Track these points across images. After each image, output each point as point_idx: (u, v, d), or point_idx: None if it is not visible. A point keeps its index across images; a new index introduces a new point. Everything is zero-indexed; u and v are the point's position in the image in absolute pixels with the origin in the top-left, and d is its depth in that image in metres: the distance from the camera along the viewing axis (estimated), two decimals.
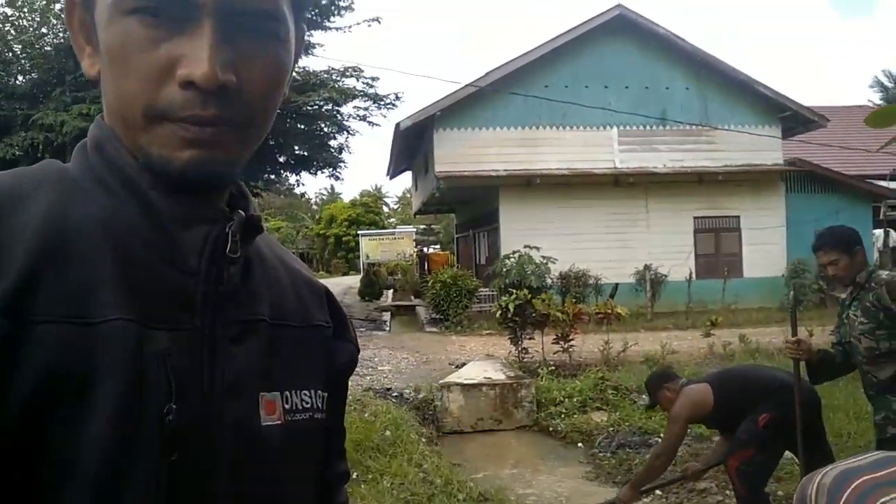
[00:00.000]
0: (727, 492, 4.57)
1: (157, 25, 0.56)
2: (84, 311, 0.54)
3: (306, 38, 0.66)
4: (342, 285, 27.45)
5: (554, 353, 9.22)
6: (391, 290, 23.70)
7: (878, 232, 17.58)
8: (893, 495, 1.95)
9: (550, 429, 6.61)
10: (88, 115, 10.45)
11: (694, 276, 15.61)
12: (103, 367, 0.54)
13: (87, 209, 0.59)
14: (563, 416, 6.72)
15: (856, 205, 17.12)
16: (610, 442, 5.93)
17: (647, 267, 15.50)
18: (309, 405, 0.69)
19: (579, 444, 6.21)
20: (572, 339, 9.10)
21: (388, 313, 17.53)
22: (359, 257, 27.25)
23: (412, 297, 21.33)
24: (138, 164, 0.60)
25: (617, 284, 14.76)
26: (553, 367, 8.94)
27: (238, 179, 0.69)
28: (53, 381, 0.52)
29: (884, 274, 3.05)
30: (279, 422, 0.65)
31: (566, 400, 6.95)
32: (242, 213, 0.65)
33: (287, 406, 0.67)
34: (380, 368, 9.28)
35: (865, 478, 2.18)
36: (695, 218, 16.68)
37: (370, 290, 21.33)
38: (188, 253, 0.61)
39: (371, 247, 26.66)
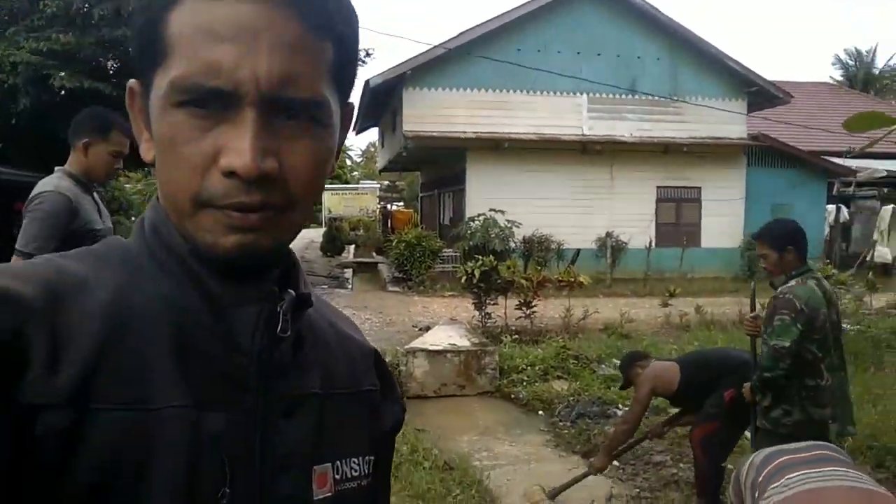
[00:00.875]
0: (681, 465, 4.77)
1: (203, 116, 0.58)
2: (143, 396, 0.56)
3: None
4: (304, 239, 27.22)
5: (517, 319, 9.38)
6: (353, 246, 23.63)
7: (831, 207, 18.13)
8: (806, 471, 2.14)
9: (512, 396, 6.75)
10: (41, 51, 9.94)
11: (654, 244, 15.94)
12: (161, 453, 0.56)
13: (148, 292, 0.61)
14: (525, 383, 6.87)
15: (812, 181, 17.61)
16: (570, 411, 6.09)
17: (608, 234, 15.76)
18: (357, 473, 0.71)
19: (540, 412, 6.35)
20: (535, 306, 9.25)
21: (350, 270, 17.51)
22: (321, 211, 27.01)
23: (374, 254, 21.32)
24: (189, 248, 0.62)
25: (579, 250, 14.98)
26: (515, 334, 9.11)
27: (284, 258, 0.70)
28: (112, 466, 0.54)
29: (781, 288, 3.14)
30: (330, 493, 0.67)
31: (528, 368, 7.10)
32: (292, 291, 0.66)
33: (337, 476, 0.69)
34: None
35: (788, 457, 2.36)
36: (657, 187, 16.94)
37: (332, 245, 21.24)
38: (241, 333, 0.63)
39: (334, 201, 26.42)
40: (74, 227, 2.69)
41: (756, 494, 2.25)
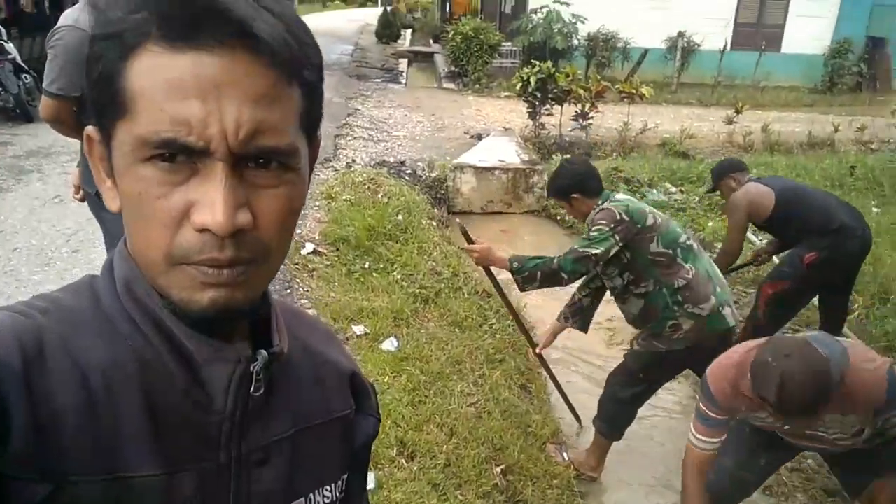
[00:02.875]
0: None
1: (172, 171, 0.56)
2: (117, 465, 0.58)
3: None
4: (357, 22, 26.19)
5: (571, 130, 9.11)
6: (409, 31, 22.64)
7: None
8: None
9: (558, 217, 6.77)
10: None
11: (729, 46, 14.75)
12: None
13: (121, 354, 0.61)
14: None
15: None
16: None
17: (680, 34, 14.58)
18: (329, 499, 0.75)
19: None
20: (591, 117, 8.92)
21: (405, 61, 16.93)
22: None
23: (431, 42, 20.44)
24: (164, 304, 0.61)
25: (646, 50, 14.00)
26: (568, 147, 8.91)
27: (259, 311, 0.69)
28: None
29: (602, 205, 2.87)
30: None
31: None
32: (265, 352, 0.66)
33: None
34: (394, 134, 9.22)
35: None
36: None
37: (388, 31, 20.36)
38: (214, 392, 0.63)
39: None
40: None
41: None
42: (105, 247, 3.15)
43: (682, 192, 7.24)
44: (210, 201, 0.55)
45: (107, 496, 0.57)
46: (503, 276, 3.18)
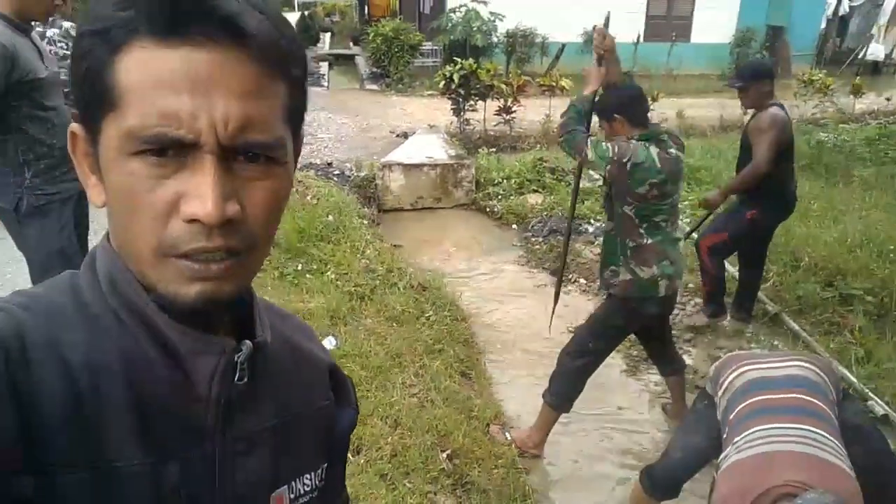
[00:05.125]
0: None
1: (161, 164, 0.57)
2: (104, 456, 0.59)
3: None
4: None
5: (495, 125, 9.25)
6: (328, 35, 22.44)
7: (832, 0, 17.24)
8: (769, 426, 2.05)
9: (487, 209, 6.87)
10: None
11: (642, 38, 15.25)
12: None
13: (106, 348, 0.61)
14: (500, 197, 6.96)
15: None
16: (543, 226, 6.25)
17: (595, 27, 14.97)
18: (310, 487, 0.77)
19: (514, 226, 6.52)
20: (514, 111, 9.08)
21: (326, 64, 16.79)
22: None
23: (351, 45, 20.32)
24: (150, 298, 0.62)
25: (564, 45, 14.31)
26: (494, 141, 9.04)
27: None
28: None
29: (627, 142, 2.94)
30: None
31: (504, 181, 7.14)
32: (249, 342, 0.67)
33: (292, 496, 0.75)
34: (319, 136, 9.14)
35: (741, 356, 2.39)
36: None
37: (306, 34, 20.05)
38: (199, 383, 0.64)
39: None
40: (15, 78, 2.50)
41: (720, 391, 2.35)
42: (31, 280, 2.85)
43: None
44: (199, 192, 0.56)
45: (94, 487, 0.58)
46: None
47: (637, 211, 2.91)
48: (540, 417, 3.32)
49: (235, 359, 0.65)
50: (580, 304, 4.86)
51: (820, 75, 10.25)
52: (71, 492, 0.56)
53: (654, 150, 2.85)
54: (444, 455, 3.05)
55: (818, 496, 1.72)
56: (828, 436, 1.97)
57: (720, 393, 2.32)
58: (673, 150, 2.91)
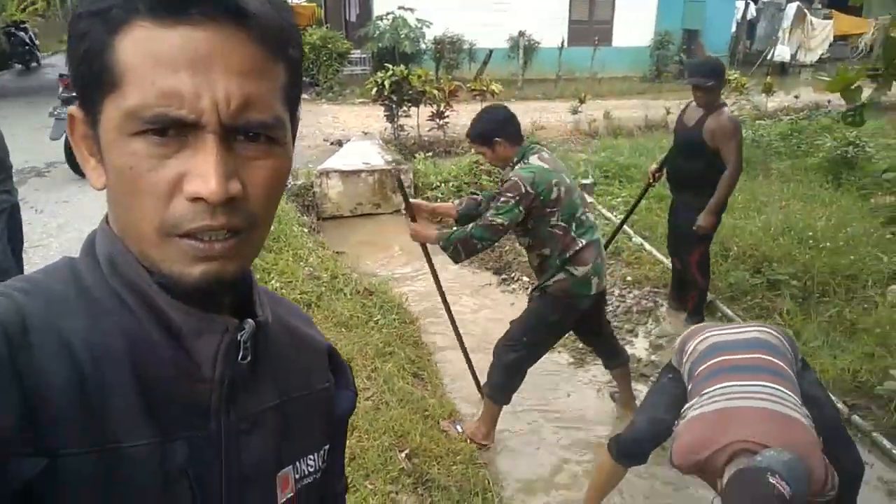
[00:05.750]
0: None
1: (163, 144, 0.57)
2: (110, 437, 0.58)
3: None
4: None
5: (429, 130, 9.31)
6: None
7: (740, 3, 18.13)
8: (730, 383, 2.16)
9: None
10: None
11: (566, 43, 15.67)
12: (131, 489, 0.59)
13: (108, 330, 0.61)
14: (439, 199, 7.00)
15: None
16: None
17: (521, 33, 15.30)
18: (313, 468, 0.78)
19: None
20: (447, 116, 9.17)
21: None
22: None
23: None
24: (153, 279, 0.62)
25: (491, 51, 14.56)
26: (429, 146, 9.09)
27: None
28: None
29: (510, 174, 3.05)
30: (291, 494, 0.74)
31: (442, 185, 7.20)
32: (251, 320, 0.68)
33: (297, 476, 0.75)
34: None
35: (705, 326, 2.52)
36: None
37: None
38: (202, 363, 0.64)
39: None
40: None
41: (684, 359, 2.46)
42: None
43: None
44: (202, 171, 0.56)
45: (101, 467, 0.57)
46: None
47: (562, 217, 3.03)
48: (483, 410, 3.39)
49: (238, 337, 0.66)
50: (524, 304, 4.94)
51: (735, 75, 10.75)
52: (78, 474, 0.56)
53: (534, 159, 3.04)
54: (403, 455, 3.06)
55: (776, 454, 1.83)
56: (787, 391, 2.09)
57: (684, 360, 2.44)
58: (545, 151, 3.12)
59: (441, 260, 3.32)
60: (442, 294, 3.61)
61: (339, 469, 0.89)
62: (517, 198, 2.94)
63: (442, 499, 2.89)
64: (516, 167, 3.04)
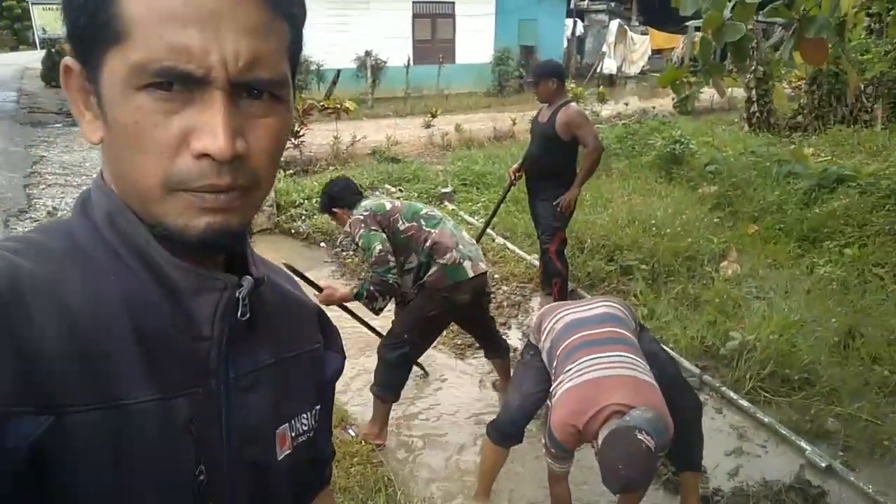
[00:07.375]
0: None
1: (168, 99, 0.56)
2: (113, 393, 0.58)
3: None
4: (15, 65, 23.17)
5: (286, 150, 9.19)
6: None
7: (569, 21, 19.51)
8: (593, 356, 2.45)
9: (292, 231, 6.83)
10: None
11: (412, 62, 16.10)
12: (136, 445, 0.59)
13: (106, 287, 0.60)
14: (303, 217, 6.97)
15: None
16: (351, 240, 6.36)
17: (367, 53, 15.53)
18: (307, 427, 0.79)
19: (322, 244, 6.56)
20: (303, 135, 9.13)
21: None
22: (30, 28, 22.77)
23: None
24: (153, 234, 0.62)
25: (339, 71, 14.66)
26: (286, 165, 8.99)
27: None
28: (90, 465, 0.57)
29: (351, 220, 3.31)
30: (289, 451, 0.75)
31: (305, 202, 7.16)
32: (250, 277, 0.69)
33: (293, 434, 0.76)
34: (94, 176, 8.43)
35: (557, 305, 2.77)
36: (413, 2, 16.78)
37: (56, 73, 18.33)
38: (202, 320, 0.65)
39: (49, 18, 22.49)
40: None
41: (542, 336, 2.67)
42: None
43: (401, 190, 7.79)
44: (210, 128, 0.56)
45: (106, 424, 0.56)
46: None
47: (407, 218, 3.27)
48: (374, 410, 3.45)
49: (237, 294, 0.66)
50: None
51: (571, 85, 11.56)
52: (83, 432, 0.55)
53: (370, 202, 3.34)
54: None
55: (641, 413, 2.15)
56: (638, 358, 2.43)
57: (543, 338, 2.67)
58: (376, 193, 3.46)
59: (303, 268, 3.35)
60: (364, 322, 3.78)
61: (327, 433, 0.89)
62: (363, 225, 3.17)
63: (346, 500, 2.92)
64: (356, 215, 3.27)
